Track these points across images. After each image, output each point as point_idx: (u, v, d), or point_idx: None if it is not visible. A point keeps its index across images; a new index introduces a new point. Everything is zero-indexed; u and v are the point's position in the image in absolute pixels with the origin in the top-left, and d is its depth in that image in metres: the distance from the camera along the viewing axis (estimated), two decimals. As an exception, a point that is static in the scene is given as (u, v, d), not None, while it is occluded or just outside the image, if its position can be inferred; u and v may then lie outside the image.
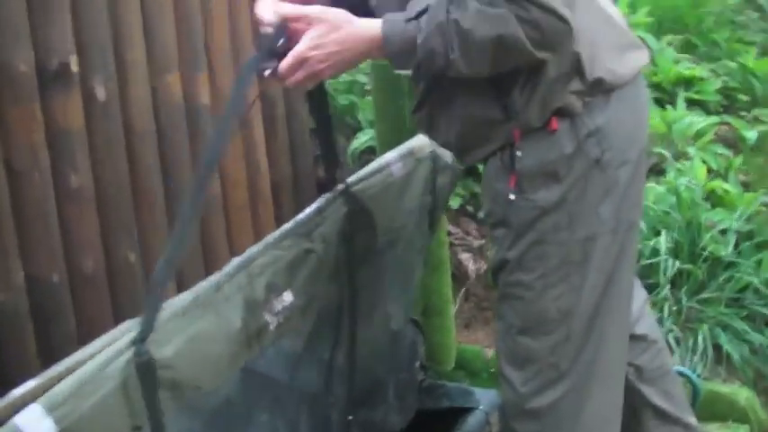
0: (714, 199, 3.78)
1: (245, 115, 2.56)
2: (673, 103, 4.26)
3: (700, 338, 3.32)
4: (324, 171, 2.43)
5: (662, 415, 2.49)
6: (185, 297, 1.77)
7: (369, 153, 3.63)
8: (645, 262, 3.37)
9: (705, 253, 3.49)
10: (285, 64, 1.85)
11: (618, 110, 2.01)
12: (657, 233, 3.50)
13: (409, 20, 1.86)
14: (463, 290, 3.65)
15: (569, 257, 2.02)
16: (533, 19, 1.79)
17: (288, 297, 1.99)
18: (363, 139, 3.68)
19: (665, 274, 3.37)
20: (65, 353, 2.53)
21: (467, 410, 2.63)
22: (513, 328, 2.10)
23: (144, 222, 2.83)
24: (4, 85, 2.39)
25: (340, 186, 2.20)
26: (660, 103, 4.32)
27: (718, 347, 3.37)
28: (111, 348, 1.61)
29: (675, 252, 3.50)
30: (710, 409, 3.14)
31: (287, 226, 2.06)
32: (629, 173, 2.04)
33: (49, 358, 2.53)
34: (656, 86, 4.36)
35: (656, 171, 3.92)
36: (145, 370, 1.61)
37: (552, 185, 1.99)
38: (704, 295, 3.47)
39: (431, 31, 1.83)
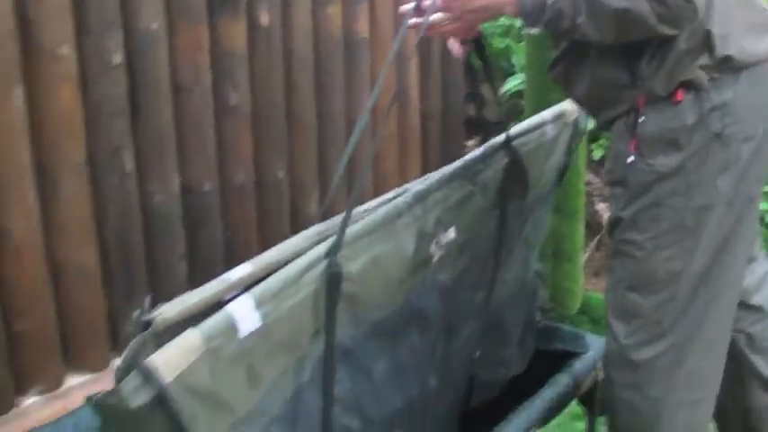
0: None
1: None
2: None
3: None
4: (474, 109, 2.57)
5: None
6: (371, 219, 1.94)
7: (518, 97, 3.72)
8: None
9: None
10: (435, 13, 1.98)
11: (746, 88, 2.06)
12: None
13: None
14: (596, 239, 3.73)
15: (683, 223, 2.10)
16: None
17: (451, 233, 2.14)
18: (515, 82, 3.77)
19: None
20: (208, 256, 2.79)
21: (576, 354, 2.73)
22: (623, 282, 2.20)
23: (295, 143, 3.03)
24: (176, 7, 2.60)
25: (502, 137, 2.32)
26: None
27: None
28: (308, 255, 1.77)
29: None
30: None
31: (456, 165, 2.20)
32: (751, 149, 2.10)
33: (194, 260, 2.79)
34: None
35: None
36: (333, 281, 1.80)
37: (671, 153, 2.07)
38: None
39: None
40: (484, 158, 2.25)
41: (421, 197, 2.03)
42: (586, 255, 3.64)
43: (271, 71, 2.90)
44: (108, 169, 2.49)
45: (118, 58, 2.47)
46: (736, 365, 2.43)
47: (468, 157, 2.23)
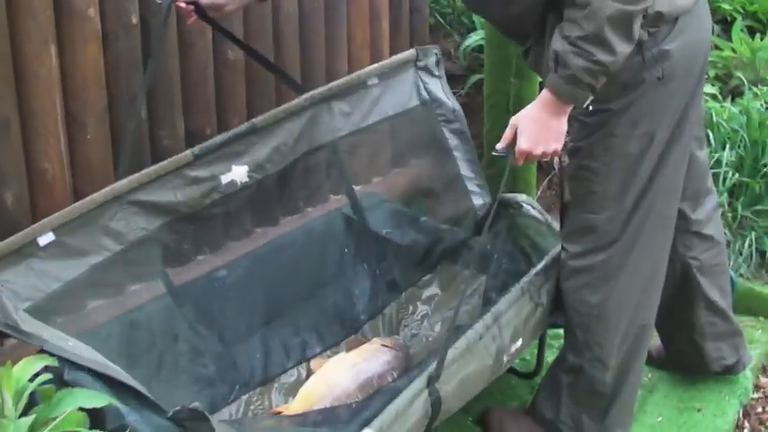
0: (786, 123, 4.18)
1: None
2: (765, 33, 4.60)
3: (746, 243, 3.79)
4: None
5: (711, 306, 2.99)
6: (461, 344, 2.36)
7: (478, 51, 4.09)
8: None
9: (765, 169, 3.92)
10: (518, 158, 2.39)
11: (678, 36, 2.47)
12: (723, 147, 3.92)
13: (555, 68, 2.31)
14: (548, 178, 4.14)
15: (630, 150, 2.52)
16: None
17: (519, 342, 2.59)
18: (475, 38, 4.14)
19: (723, 184, 3.81)
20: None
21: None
22: (578, 203, 2.62)
23: (282, 92, 3.37)
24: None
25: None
26: (753, 31, 4.65)
27: (765, 254, 3.84)
28: (413, 387, 2.21)
29: (737, 166, 3.93)
30: (747, 304, 3.60)
31: (523, 282, 2.63)
32: (687, 86, 2.53)
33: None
34: (751, 15, 4.69)
35: (735, 93, 4.30)
36: (435, 405, 2.24)
37: (623, 95, 2.47)
38: (759, 207, 3.92)
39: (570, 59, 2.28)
40: (545, 271, 2.70)
41: (495, 317, 2.49)
42: (538, 193, 4.04)
43: (262, 28, 3.26)
44: (126, 116, 2.84)
45: (135, 19, 2.81)
46: (687, 287, 2.92)
47: (532, 272, 2.68)
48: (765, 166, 3.93)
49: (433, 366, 2.26)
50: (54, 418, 1.89)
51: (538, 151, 2.37)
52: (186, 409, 1.96)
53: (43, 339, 2.07)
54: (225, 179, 2.75)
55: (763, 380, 3.45)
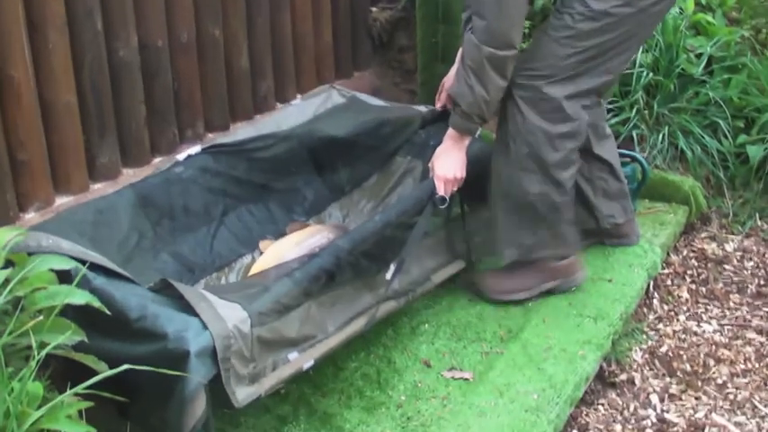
0: (699, 29, 4.51)
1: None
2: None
3: (660, 138, 4.13)
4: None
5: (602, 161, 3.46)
6: None
7: None
8: (626, 72, 4.12)
9: (678, 70, 4.25)
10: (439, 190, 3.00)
11: None
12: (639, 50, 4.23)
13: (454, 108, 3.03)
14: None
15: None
16: None
17: None
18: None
19: (638, 83, 4.15)
20: (161, 101, 3.42)
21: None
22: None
23: (227, 7, 3.67)
24: None
25: None
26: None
27: (680, 149, 4.19)
28: None
29: (654, 67, 4.27)
30: (660, 191, 3.98)
31: None
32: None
33: (150, 103, 3.43)
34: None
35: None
36: None
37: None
38: (673, 105, 4.26)
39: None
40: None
41: None
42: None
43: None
44: (83, 28, 3.12)
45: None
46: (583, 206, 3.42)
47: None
48: (678, 67, 4.26)
49: None
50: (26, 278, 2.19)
51: (450, 176, 3.00)
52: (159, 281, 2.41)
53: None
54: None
55: (672, 257, 3.82)
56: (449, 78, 3.34)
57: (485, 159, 3.18)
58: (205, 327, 2.29)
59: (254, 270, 3.09)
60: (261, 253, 3.24)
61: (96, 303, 2.19)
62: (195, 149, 3.30)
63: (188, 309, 2.34)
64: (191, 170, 3.26)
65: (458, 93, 2.97)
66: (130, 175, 3.36)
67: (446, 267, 3.18)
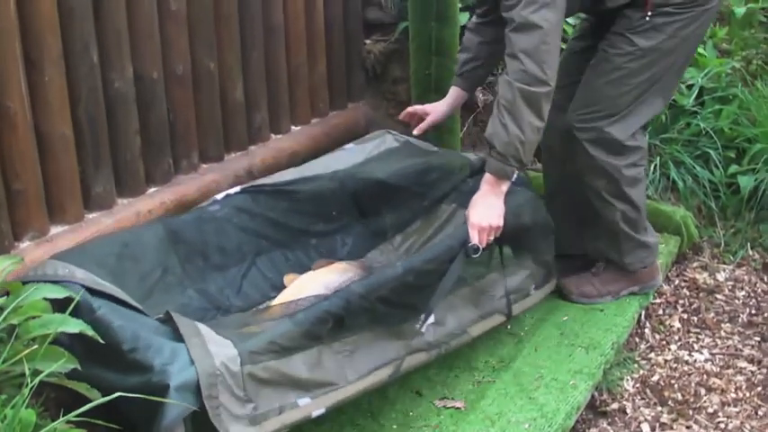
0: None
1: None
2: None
3: (652, 168, 4.17)
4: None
5: None
6: None
7: None
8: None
9: (670, 101, 4.28)
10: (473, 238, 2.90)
11: None
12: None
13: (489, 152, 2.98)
14: (472, 116, 4.48)
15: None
16: None
17: None
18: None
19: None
20: (157, 132, 3.45)
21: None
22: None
23: (222, 40, 3.70)
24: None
25: None
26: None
27: (672, 179, 4.22)
28: None
29: (645, 99, 4.30)
30: (652, 221, 3.96)
31: None
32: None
33: (145, 134, 3.46)
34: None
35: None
36: None
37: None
38: (665, 136, 4.30)
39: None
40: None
41: None
42: (465, 129, 4.39)
43: None
44: (79, 61, 3.15)
45: (85, -27, 3.13)
46: None
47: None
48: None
49: None
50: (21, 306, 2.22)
51: (485, 224, 2.90)
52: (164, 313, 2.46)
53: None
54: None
55: (664, 287, 3.84)
56: (432, 107, 3.46)
57: (529, 209, 3.15)
58: (192, 362, 2.30)
59: (273, 305, 3.07)
60: (284, 287, 3.22)
61: (90, 332, 2.21)
62: (235, 189, 3.35)
63: (181, 342, 2.37)
64: (226, 209, 3.28)
65: (492, 134, 2.95)
66: (125, 205, 3.39)
67: (485, 320, 3.06)
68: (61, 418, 2.05)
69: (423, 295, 2.79)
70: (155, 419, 2.23)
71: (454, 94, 3.54)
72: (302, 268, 3.33)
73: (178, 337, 2.40)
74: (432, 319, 2.81)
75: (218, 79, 3.74)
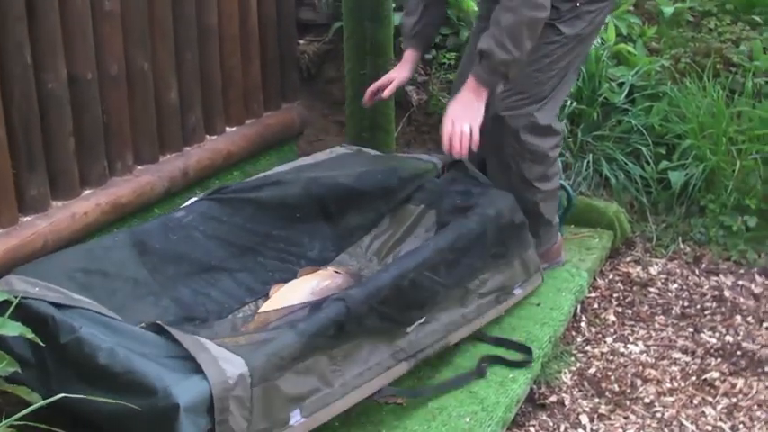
0: (620, 59, 4.64)
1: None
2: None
3: (585, 165, 4.23)
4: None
5: None
6: None
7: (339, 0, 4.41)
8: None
9: (601, 99, 4.37)
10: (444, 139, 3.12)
11: None
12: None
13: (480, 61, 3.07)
14: (406, 115, 4.51)
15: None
16: None
17: None
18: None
19: (562, 112, 4.24)
20: (91, 134, 3.42)
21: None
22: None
23: (156, 42, 3.69)
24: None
25: None
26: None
27: (604, 175, 4.29)
28: None
29: (577, 96, 4.37)
30: (586, 217, 4.06)
31: None
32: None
33: (79, 136, 3.42)
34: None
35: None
36: None
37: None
38: (597, 133, 4.36)
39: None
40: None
41: None
42: (399, 128, 4.42)
43: None
44: (12, 62, 3.12)
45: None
46: None
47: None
48: (601, 96, 4.37)
49: None
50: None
51: (461, 119, 3.07)
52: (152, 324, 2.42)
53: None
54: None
55: (599, 281, 3.90)
56: (393, 75, 3.56)
57: (508, 210, 3.28)
58: (204, 378, 2.23)
59: (260, 317, 3.05)
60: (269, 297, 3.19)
61: (30, 335, 2.19)
62: (200, 195, 3.36)
63: (183, 357, 2.31)
64: (192, 215, 3.26)
65: (487, 49, 3.04)
66: (60, 208, 3.35)
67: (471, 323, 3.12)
68: (2, 423, 2.03)
69: (420, 298, 2.88)
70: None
71: (410, 56, 3.61)
72: (274, 273, 3.34)
73: (175, 351, 2.34)
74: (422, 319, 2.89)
75: (152, 80, 3.72)
